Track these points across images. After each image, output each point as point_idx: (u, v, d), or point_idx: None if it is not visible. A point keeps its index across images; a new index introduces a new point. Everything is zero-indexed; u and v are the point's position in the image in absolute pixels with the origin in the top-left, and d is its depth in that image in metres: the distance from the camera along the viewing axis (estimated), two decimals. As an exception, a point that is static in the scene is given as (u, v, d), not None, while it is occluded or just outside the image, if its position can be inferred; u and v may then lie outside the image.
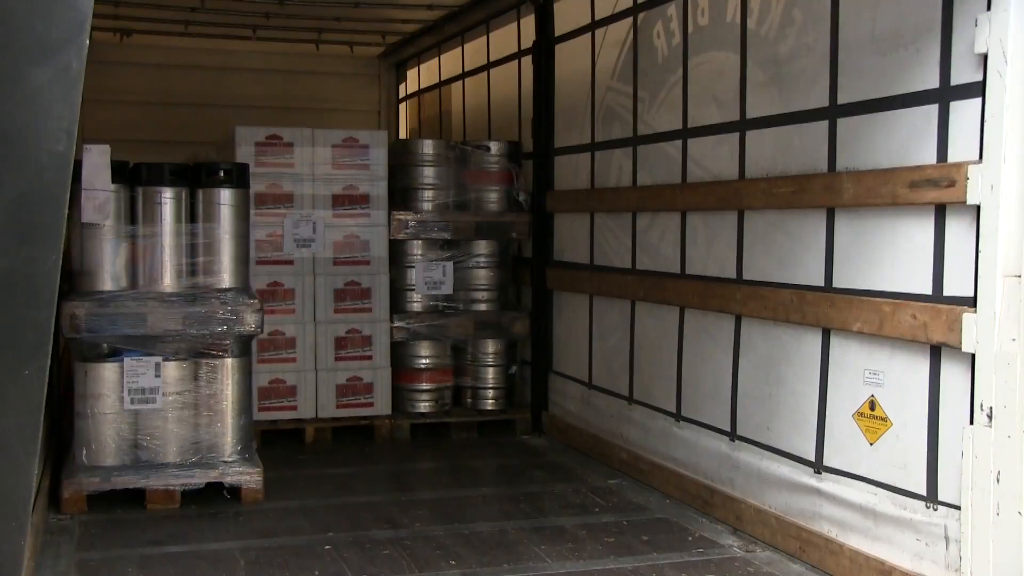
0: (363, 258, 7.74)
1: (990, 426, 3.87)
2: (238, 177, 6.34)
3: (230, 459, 6.10)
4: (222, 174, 6.29)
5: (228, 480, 6.02)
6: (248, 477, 6.03)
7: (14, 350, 1.98)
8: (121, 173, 6.06)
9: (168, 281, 6.13)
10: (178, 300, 6.05)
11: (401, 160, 8.04)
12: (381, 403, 7.76)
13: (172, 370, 6.03)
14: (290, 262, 7.55)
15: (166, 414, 6.01)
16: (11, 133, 1.89)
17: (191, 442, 6.06)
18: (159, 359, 5.99)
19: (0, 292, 1.94)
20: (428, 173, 8.05)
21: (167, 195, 6.13)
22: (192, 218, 6.21)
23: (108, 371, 5.96)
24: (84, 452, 5.95)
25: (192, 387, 6.07)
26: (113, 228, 6.04)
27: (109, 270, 6.06)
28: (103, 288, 6.04)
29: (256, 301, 6.14)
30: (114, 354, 5.99)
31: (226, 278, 6.24)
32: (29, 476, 2.07)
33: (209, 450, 6.08)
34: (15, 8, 1.85)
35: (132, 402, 5.97)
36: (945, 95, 4.15)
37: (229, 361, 6.14)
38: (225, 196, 6.24)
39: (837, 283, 4.80)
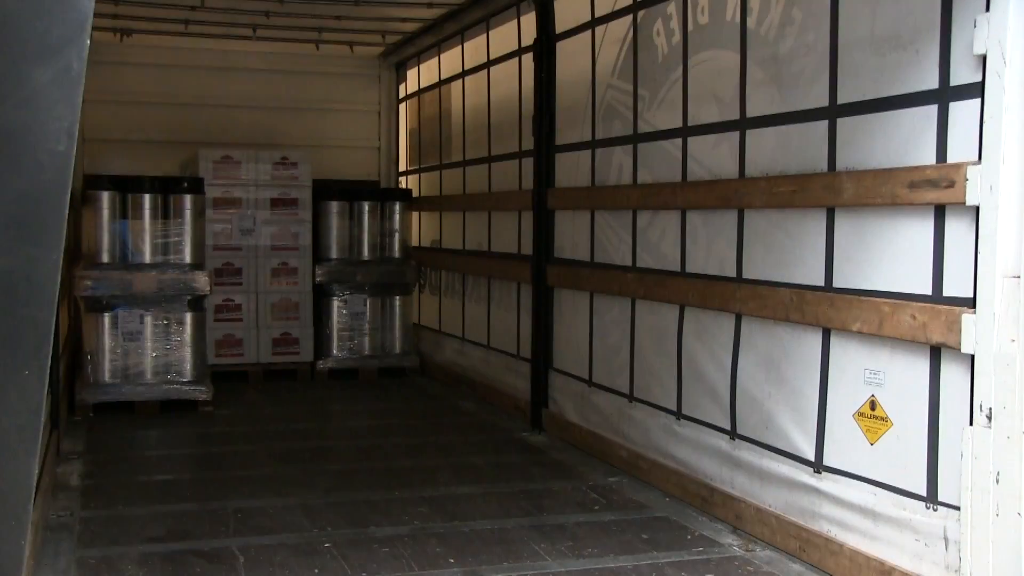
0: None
1: (989, 427, 3.87)
2: (196, 186, 9.18)
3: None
4: (185, 185, 9.07)
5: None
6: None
7: (14, 350, 1.98)
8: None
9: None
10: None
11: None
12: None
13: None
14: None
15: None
16: (11, 133, 1.89)
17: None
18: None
19: (0, 292, 1.94)
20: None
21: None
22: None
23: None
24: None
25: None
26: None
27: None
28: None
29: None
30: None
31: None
32: (29, 476, 2.07)
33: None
34: (15, 8, 1.85)
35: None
36: (944, 96, 4.15)
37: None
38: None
39: (837, 283, 4.80)
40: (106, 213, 8.79)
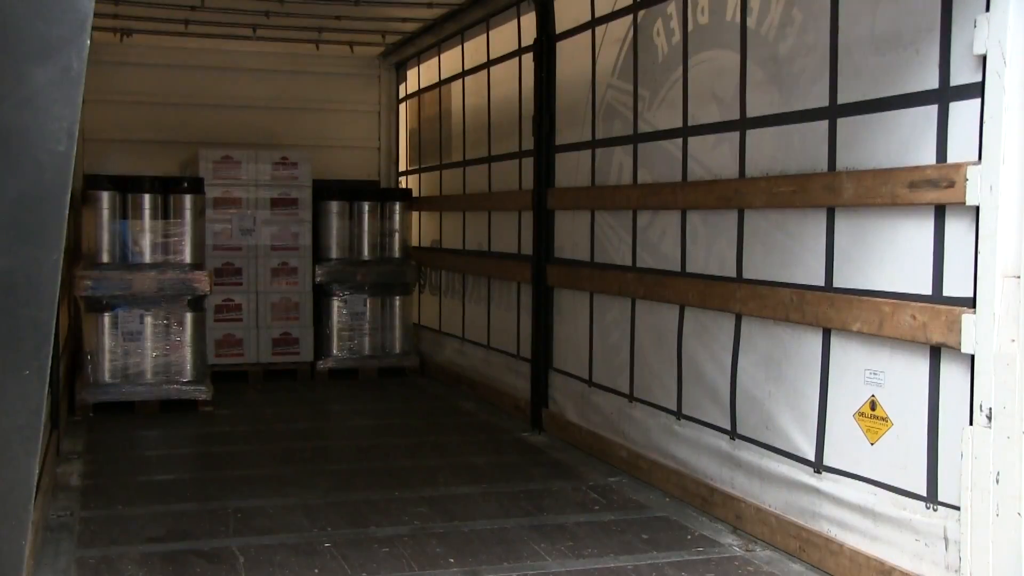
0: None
1: (989, 427, 3.87)
2: (196, 186, 9.20)
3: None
4: (185, 184, 9.09)
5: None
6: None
7: (14, 350, 1.98)
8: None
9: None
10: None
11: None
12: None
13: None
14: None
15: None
16: (11, 133, 1.89)
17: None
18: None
19: (0, 292, 1.94)
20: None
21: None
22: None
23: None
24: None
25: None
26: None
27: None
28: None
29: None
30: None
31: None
32: (29, 476, 2.07)
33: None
34: (15, 8, 1.85)
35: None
36: (944, 96, 4.15)
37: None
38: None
39: (837, 283, 4.80)
40: (106, 213, 8.82)
